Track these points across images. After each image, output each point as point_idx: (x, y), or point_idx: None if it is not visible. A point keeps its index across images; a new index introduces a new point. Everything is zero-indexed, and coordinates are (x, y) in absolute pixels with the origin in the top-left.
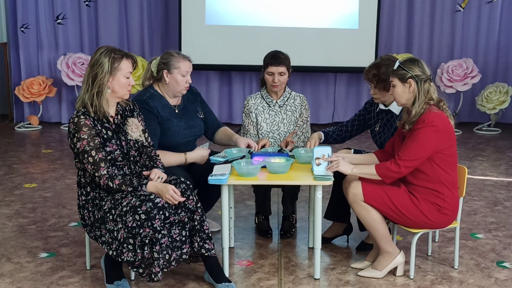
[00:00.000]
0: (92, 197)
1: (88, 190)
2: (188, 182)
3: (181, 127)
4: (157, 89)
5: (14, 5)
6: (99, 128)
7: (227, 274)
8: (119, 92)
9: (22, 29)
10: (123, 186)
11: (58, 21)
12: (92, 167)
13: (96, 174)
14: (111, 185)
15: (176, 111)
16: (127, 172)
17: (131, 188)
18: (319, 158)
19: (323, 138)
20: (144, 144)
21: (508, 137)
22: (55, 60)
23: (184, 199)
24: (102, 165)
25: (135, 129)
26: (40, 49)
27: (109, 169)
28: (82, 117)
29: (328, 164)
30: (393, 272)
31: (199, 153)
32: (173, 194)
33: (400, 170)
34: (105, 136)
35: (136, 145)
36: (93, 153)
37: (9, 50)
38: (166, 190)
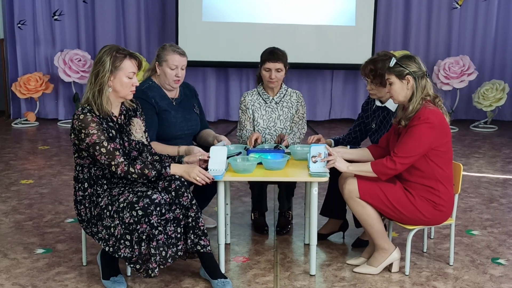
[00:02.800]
0: (90, 194)
1: (86, 186)
2: (182, 179)
3: (178, 119)
4: (155, 80)
5: (11, 1)
6: (105, 126)
7: (223, 270)
8: (121, 92)
9: (19, 25)
10: (146, 170)
11: (55, 17)
12: (107, 157)
13: (113, 163)
14: (132, 170)
15: (174, 103)
16: None
17: (155, 172)
18: (315, 156)
19: (333, 144)
20: (145, 143)
21: (504, 134)
22: (52, 56)
23: (212, 178)
24: (117, 153)
25: (138, 129)
26: (37, 45)
27: (124, 157)
28: (88, 114)
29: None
30: (388, 268)
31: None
32: (199, 174)
33: (396, 167)
34: (110, 135)
35: (138, 146)
36: (105, 143)
37: (6, 46)
38: (192, 170)
